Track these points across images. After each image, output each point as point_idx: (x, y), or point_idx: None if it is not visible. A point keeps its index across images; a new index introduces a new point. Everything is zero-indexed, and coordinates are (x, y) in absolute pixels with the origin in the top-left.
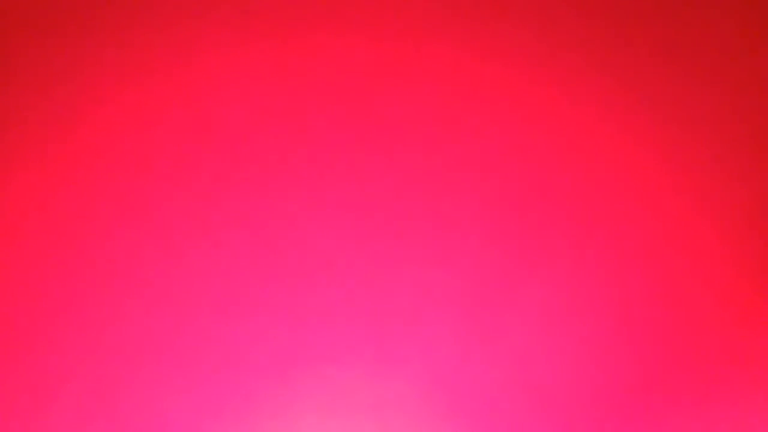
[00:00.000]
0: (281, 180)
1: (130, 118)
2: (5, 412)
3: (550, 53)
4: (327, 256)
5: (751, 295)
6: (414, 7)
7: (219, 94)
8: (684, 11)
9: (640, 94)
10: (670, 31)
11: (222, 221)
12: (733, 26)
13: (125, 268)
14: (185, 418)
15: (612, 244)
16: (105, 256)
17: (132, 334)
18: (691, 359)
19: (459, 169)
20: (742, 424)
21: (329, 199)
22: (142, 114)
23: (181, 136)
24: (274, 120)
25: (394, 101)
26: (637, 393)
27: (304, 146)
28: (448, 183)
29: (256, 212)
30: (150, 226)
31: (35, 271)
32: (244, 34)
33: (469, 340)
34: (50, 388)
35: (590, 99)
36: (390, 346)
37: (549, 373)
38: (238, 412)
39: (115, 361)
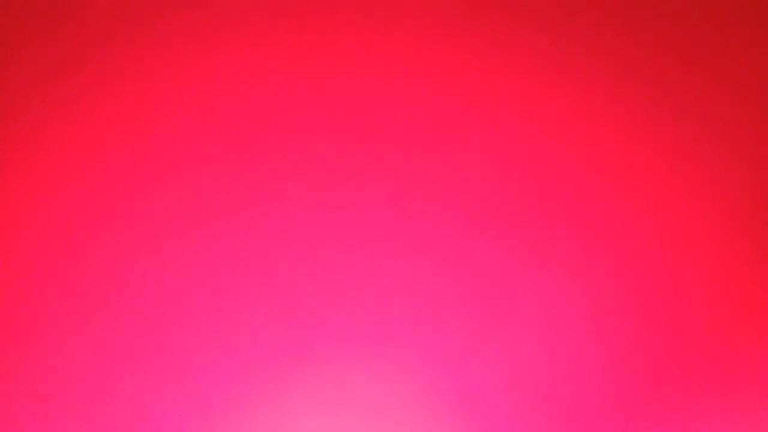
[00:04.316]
0: (282, 179)
1: (129, 118)
2: (4, 411)
3: (550, 54)
4: (328, 256)
5: (753, 294)
6: (416, 8)
7: (218, 94)
8: (685, 12)
9: (641, 94)
10: (671, 31)
11: (222, 220)
12: (734, 26)
13: (123, 266)
14: (184, 416)
15: (614, 245)
16: (104, 254)
17: (130, 332)
18: (692, 358)
19: (462, 169)
20: (745, 423)
21: (331, 197)
22: (141, 114)
23: (179, 136)
24: (274, 119)
25: (396, 101)
26: (640, 392)
27: (304, 146)
28: (452, 183)
29: (256, 211)
30: (147, 225)
31: (33, 268)
32: (244, 34)
33: (472, 340)
34: (48, 386)
35: (592, 99)
36: (392, 346)
37: (552, 373)
38: (238, 410)
39: (114, 359)
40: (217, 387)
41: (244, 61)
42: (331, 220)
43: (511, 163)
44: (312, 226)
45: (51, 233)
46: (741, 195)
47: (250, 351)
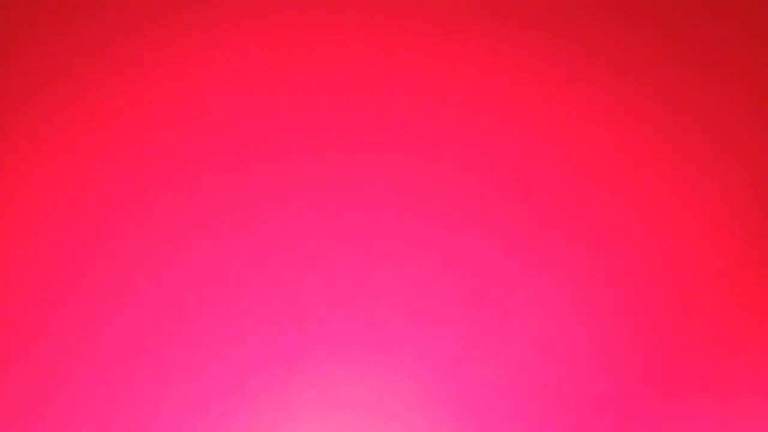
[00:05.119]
0: (281, 179)
1: (130, 118)
2: (4, 411)
3: (550, 54)
4: (326, 255)
5: (752, 293)
6: (416, 7)
7: (218, 94)
8: (684, 11)
9: (640, 93)
10: (670, 30)
11: (222, 219)
12: (733, 26)
13: (123, 266)
14: (183, 416)
15: (612, 244)
16: (104, 254)
17: (130, 332)
18: (691, 358)
19: (461, 168)
20: (743, 422)
21: (329, 197)
22: (142, 114)
23: (179, 136)
24: (274, 118)
25: (395, 101)
26: (639, 392)
27: (304, 145)
28: (450, 182)
29: (255, 210)
30: (148, 225)
31: (33, 268)
32: (246, 34)
33: (469, 340)
34: (48, 386)
35: (592, 99)
36: (390, 345)
37: (549, 372)
38: (238, 411)
39: (114, 359)
40: (217, 388)
41: (245, 61)
42: (330, 221)
43: (511, 164)
44: (311, 226)
45: (51, 233)
46: (741, 195)
47: (249, 352)
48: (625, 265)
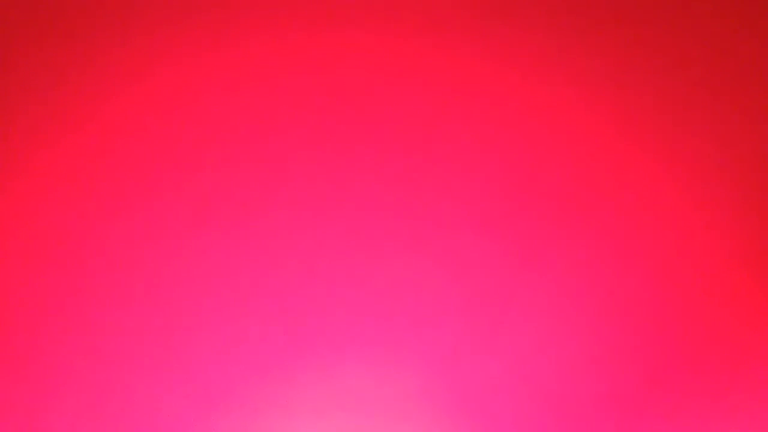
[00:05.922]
0: (282, 178)
1: (129, 118)
2: (4, 411)
3: (550, 53)
4: (326, 254)
5: (753, 294)
6: (416, 6)
7: (218, 94)
8: (685, 12)
9: (640, 93)
10: (671, 30)
11: (222, 219)
12: (733, 27)
13: (123, 266)
14: (183, 417)
15: (613, 244)
16: (104, 255)
17: (129, 331)
18: (692, 358)
19: (462, 168)
20: (743, 422)
21: (330, 196)
22: (140, 113)
23: (179, 137)
24: (274, 120)
25: (396, 101)
26: (638, 391)
27: (305, 145)
28: (452, 182)
29: (256, 210)
30: (149, 226)
31: (33, 269)
32: (244, 33)
33: (471, 339)
34: (49, 387)
35: (592, 99)
36: (390, 345)
37: (550, 372)
38: (238, 411)
39: (114, 359)
40: (217, 388)
41: (245, 61)
42: (330, 220)
43: (511, 164)
44: (311, 225)
45: (52, 234)
46: (742, 195)
47: (250, 352)
48: (626, 265)
